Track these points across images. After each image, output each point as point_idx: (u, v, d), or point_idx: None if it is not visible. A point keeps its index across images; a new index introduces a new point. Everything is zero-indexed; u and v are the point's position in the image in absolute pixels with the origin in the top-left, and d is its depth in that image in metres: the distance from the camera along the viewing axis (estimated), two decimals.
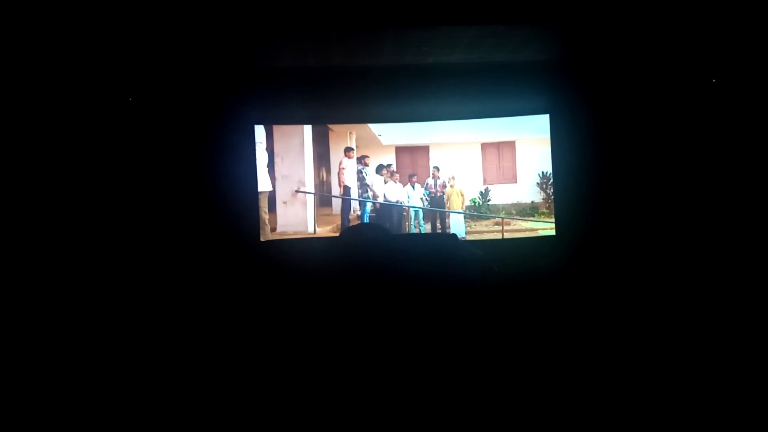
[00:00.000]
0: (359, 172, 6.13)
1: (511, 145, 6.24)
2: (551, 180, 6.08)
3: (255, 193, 5.86)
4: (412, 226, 6.22)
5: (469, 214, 6.22)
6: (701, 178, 5.43)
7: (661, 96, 5.56)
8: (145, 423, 2.29)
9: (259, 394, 2.03)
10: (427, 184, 6.21)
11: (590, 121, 5.76)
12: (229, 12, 4.19)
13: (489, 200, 6.23)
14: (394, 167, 6.20)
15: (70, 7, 3.96)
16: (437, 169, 6.19)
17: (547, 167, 6.08)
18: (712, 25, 4.57)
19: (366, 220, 6.08)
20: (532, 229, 6.18)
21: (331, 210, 6.28)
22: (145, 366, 2.76)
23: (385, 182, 6.17)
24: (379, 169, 6.18)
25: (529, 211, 6.20)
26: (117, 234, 5.20)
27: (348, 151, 6.16)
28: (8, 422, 2.36)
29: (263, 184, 5.92)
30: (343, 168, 6.14)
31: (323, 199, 6.25)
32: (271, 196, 6.01)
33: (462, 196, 6.19)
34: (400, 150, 6.28)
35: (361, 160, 6.14)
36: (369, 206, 6.15)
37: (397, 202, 6.16)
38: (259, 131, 5.92)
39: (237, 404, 2.10)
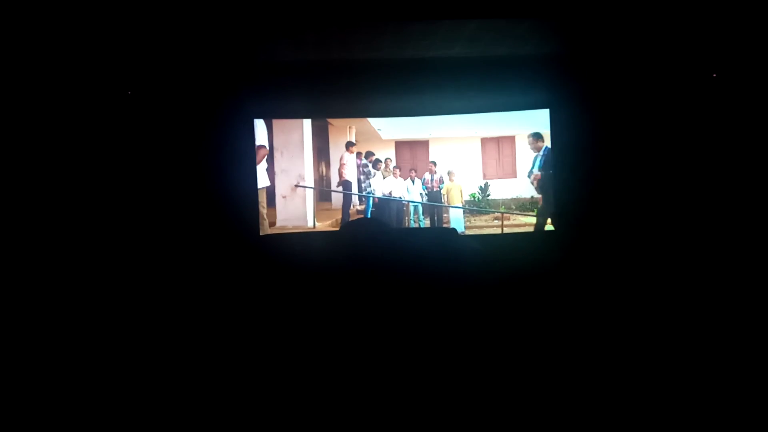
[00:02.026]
0: (365, 166, 6.13)
1: (511, 139, 6.24)
2: None
3: (254, 188, 5.86)
4: (412, 221, 6.22)
5: (469, 209, 6.22)
6: (701, 172, 5.43)
7: (661, 91, 5.55)
8: (145, 422, 2.30)
9: (260, 390, 2.03)
10: (424, 179, 6.21)
11: (590, 116, 5.75)
12: (228, 6, 4.18)
13: (488, 195, 6.23)
14: (392, 162, 6.19)
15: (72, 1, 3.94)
16: (434, 164, 6.19)
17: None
18: (712, 20, 4.56)
19: (368, 214, 6.08)
20: (531, 224, 6.18)
21: (331, 204, 6.28)
22: (143, 362, 2.77)
23: (384, 177, 6.17)
24: (376, 163, 6.18)
25: (528, 205, 6.20)
26: (115, 228, 5.20)
27: (349, 145, 6.16)
28: (8, 422, 2.36)
29: (261, 180, 5.93)
30: (344, 163, 6.14)
31: (323, 193, 6.25)
32: (270, 191, 6.01)
33: (461, 190, 6.19)
34: (399, 144, 6.28)
35: (367, 156, 6.14)
36: (372, 201, 6.16)
37: (391, 194, 6.16)
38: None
39: (237, 401, 2.10)
